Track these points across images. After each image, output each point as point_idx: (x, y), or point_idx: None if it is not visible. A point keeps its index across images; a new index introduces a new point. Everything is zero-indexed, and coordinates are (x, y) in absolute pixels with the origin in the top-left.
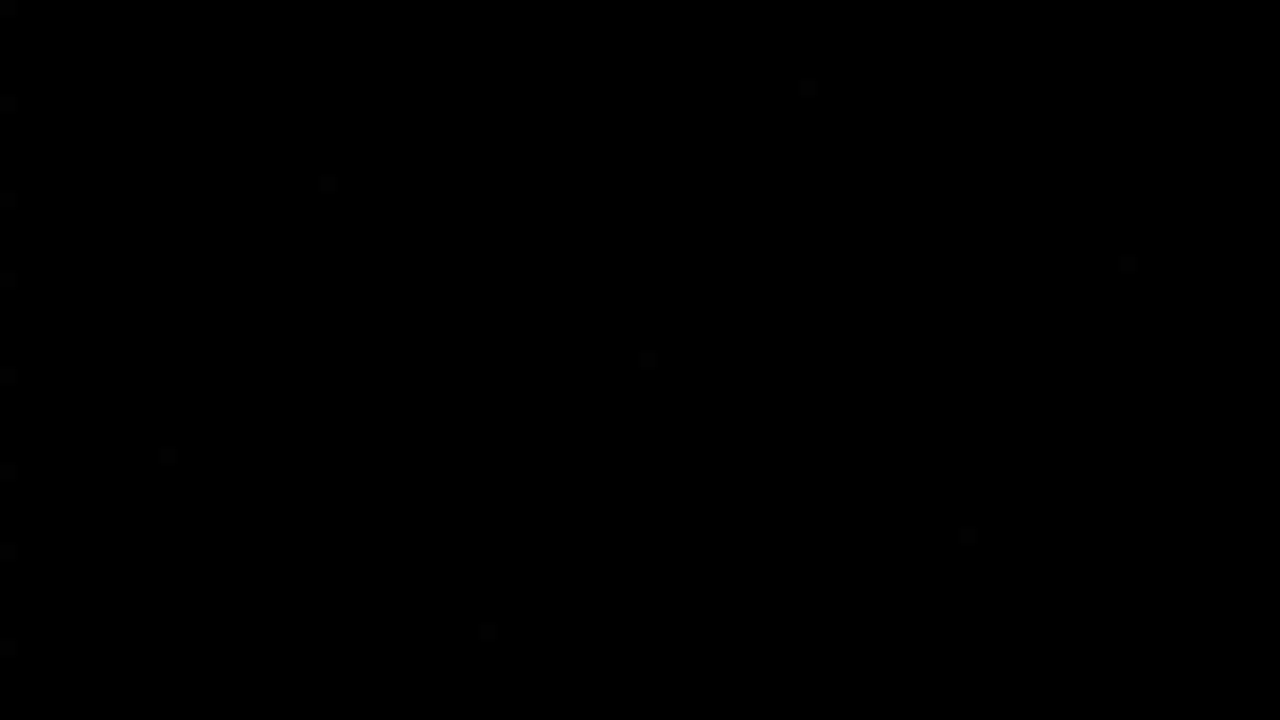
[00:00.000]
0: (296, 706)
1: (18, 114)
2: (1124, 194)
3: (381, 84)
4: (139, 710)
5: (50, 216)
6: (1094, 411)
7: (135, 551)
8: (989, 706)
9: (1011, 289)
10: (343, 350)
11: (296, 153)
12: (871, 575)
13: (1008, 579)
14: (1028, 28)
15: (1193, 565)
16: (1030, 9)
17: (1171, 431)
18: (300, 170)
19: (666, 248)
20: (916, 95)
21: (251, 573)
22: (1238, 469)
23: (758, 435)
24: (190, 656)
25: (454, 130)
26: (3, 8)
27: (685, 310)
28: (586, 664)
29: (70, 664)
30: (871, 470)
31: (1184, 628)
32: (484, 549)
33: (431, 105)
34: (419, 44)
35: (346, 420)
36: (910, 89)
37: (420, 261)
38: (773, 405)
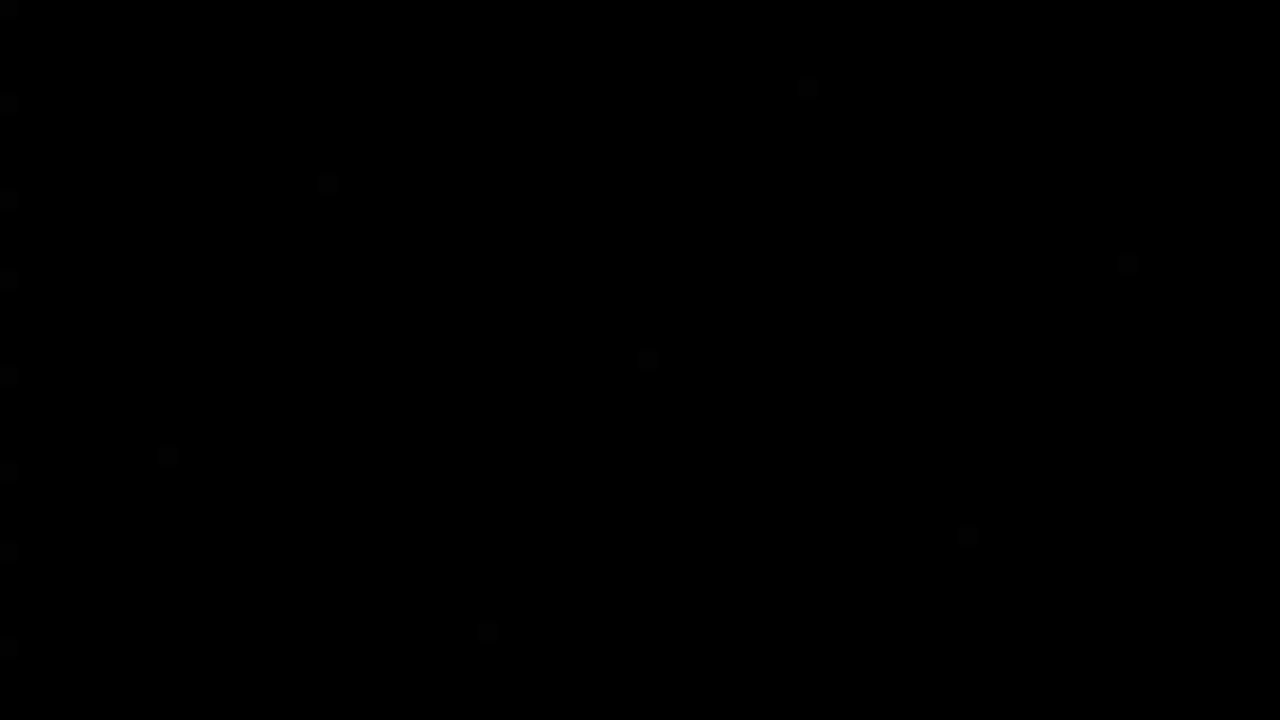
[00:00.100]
0: (296, 706)
1: (18, 114)
2: (1124, 194)
3: (381, 84)
4: (139, 710)
5: (50, 216)
6: (1094, 411)
7: (135, 551)
8: (989, 706)
9: (1011, 289)
10: (343, 350)
11: (296, 153)
12: (871, 575)
13: (1008, 579)
14: (1028, 28)
15: (1193, 565)
16: (1030, 9)
17: (1171, 431)
18: (300, 170)
19: (666, 248)
20: (916, 95)
21: (251, 573)
22: (1238, 469)
23: (758, 435)
24: (190, 656)
25: (454, 130)
26: (3, 8)
27: (685, 310)
28: (586, 664)
29: (70, 664)
30: (871, 470)
31: (1184, 628)
32: (484, 549)
33: (431, 105)
34: (419, 44)
35: (346, 420)
36: (910, 89)
37: (420, 261)
38: (773, 405)
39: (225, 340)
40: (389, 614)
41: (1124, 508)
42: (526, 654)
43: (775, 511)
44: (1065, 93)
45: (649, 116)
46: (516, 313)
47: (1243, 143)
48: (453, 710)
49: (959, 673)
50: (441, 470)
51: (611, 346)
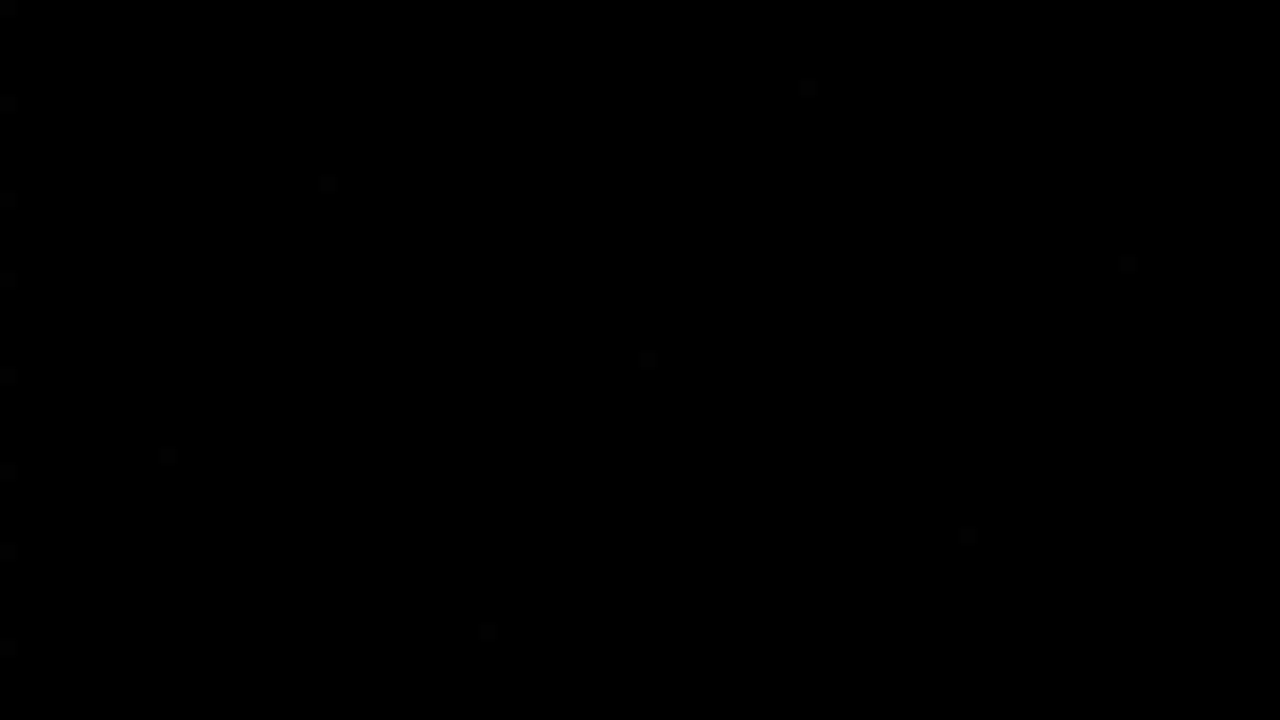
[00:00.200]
0: (296, 706)
1: (18, 114)
2: (1124, 194)
3: (381, 84)
4: (139, 710)
5: (50, 216)
6: (1094, 411)
7: (135, 551)
8: (989, 706)
9: (1011, 289)
10: (343, 350)
11: (296, 153)
12: (871, 575)
13: (1008, 579)
14: (1027, 28)
15: (1193, 565)
16: (1030, 9)
17: (1171, 431)
18: (300, 170)
19: (666, 248)
20: (916, 95)
21: (251, 573)
22: (1238, 469)
23: (758, 435)
24: (190, 656)
25: (454, 130)
26: (3, 8)
27: (685, 310)
28: (586, 664)
29: (70, 664)
30: (872, 470)
31: (1184, 627)
32: (484, 549)
33: (431, 105)
34: (419, 44)
35: (346, 420)
36: (910, 89)
37: (420, 262)
38: (773, 405)
39: (225, 340)
40: (389, 614)
41: (1124, 507)
42: (526, 654)
43: (775, 511)
44: (1065, 93)
45: (649, 116)
46: (516, 313)
47: (1243, 143)
48: (453, 710)
49: (959, 673)
50: (441, 470)
51: (611, 346)
